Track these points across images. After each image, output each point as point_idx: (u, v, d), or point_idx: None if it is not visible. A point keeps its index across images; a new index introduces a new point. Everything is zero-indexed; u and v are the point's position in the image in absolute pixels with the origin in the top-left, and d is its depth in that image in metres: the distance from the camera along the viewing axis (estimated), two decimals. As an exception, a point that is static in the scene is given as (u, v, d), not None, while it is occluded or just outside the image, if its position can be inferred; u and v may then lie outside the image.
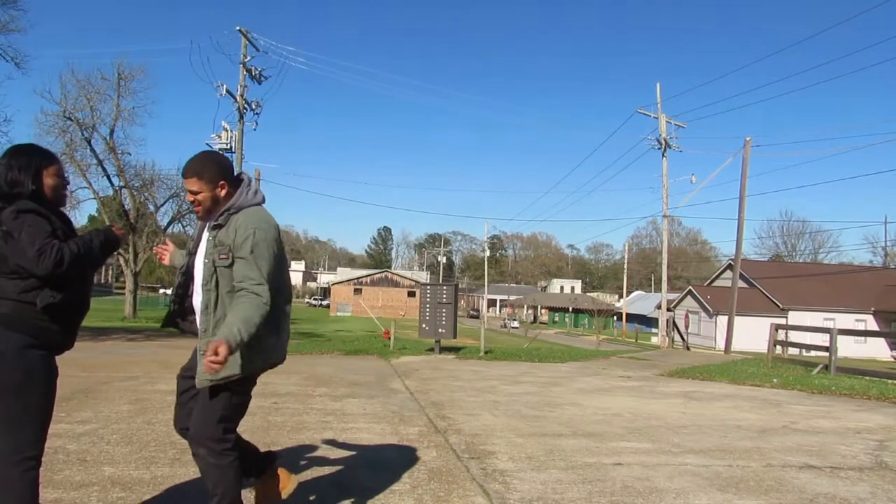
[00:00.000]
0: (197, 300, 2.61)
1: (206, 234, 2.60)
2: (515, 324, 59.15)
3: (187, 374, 2.65)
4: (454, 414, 6.08)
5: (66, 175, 2.61)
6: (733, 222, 40.35)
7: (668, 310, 29.69)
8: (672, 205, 27.23)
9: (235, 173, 2.68)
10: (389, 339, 15.02)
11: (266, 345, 2.57)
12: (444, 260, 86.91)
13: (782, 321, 28.93)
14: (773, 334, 14.29)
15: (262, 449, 3.06)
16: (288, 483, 3.02)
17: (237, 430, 2.65)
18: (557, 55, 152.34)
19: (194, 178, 2.56)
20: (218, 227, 2.53)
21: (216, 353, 2.19)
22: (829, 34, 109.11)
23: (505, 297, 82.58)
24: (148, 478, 3.58)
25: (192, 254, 2.69)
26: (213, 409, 2.50)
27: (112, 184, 31.13)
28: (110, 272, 67.38)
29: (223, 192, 2.57)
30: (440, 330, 13.79)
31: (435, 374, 9.72)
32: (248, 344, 2.36)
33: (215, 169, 2.57)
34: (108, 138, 30.54)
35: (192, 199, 2.59)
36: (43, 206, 2.39)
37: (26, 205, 2.33)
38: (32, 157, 2.44)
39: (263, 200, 2.69)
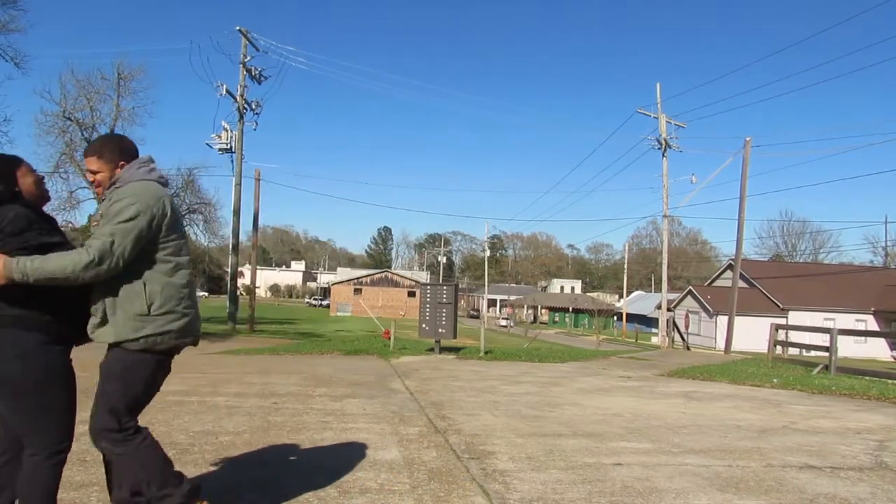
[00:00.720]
0: None
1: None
2: (504, 322, 59.47)
3: None
4: (454, 414, 6.08)
5: (36, 170, 2.63)
6: (733, 222, 40.31)
7: (669, 310, 29.70)
8: (672, 205, 27.26)
9: (135, 158, 2.63)
10: (389, 339, 15.03)
11: (152, 316, 2.46)
12: (444, 260, 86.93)
13: (782, 321, 28.93)
14: (774, 334, 14.29)
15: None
16: None
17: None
18: (557, 55, 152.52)
19: (94, 157, 2.57)
20: (103, 201, 2.55)
21: None
22: (829, 34, 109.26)
23: (505, 297, 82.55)
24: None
25: None
26: (105, 398, 2.46)
27: (112, 184, 31.13)
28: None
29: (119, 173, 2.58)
30: (440, 330, 13.79)
31: (435, 374, 9.71)
32: (123, 311, 2.38)
33: (115, 150, 2.59)
34: (108, 138, 30.49)
35: (91, 178, 2.62)
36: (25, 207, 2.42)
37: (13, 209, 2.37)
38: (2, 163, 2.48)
39: (160, 180, 2.63)
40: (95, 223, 2.52)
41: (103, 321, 2.45)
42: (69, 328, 2.47)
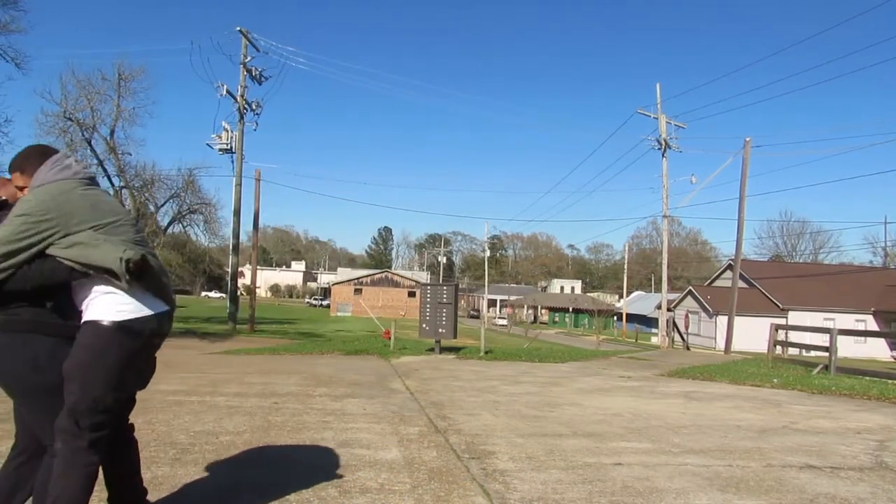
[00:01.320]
0: None
1: None
2: (500, 321, 59.62)
3: None
4: (454, 414, 6.09)
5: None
6: (733, 222, 40.31)
7: (669, 310, 29.70)
8: (672, 205, 27.28)
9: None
10: (390, 339, 15.04)
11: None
12: (444, 260, 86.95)
13: (782, 321, 28.93)
14: (773, 334, 14.30)
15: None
16: None
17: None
18: (557, 55, 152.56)
19: (17, 173, 2.48)
20: None
21: None
22: (829, 34, 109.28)
23: (505, 297, 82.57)
24: (148, 477, 3.56)
25: None
26: (66, 396, 2.33)
27: (112, 184, 31.11)
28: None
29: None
30: (440, 330, 13.79)
31: (435, 374, 9.72)
32: None
33: (36, 163, 2.46)
34: (108, 139, 30.53)
35: (19, 196, 2.47)
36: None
37: None
38: None
39: (75, 176, 2.46)
40: None
41: None
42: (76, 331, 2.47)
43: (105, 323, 2.34)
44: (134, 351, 2.39)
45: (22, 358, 2.32)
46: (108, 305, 2.36)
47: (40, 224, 2.28)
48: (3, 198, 2.55)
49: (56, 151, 2.56)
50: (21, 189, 2.49)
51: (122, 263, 2.30)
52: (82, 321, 2.39)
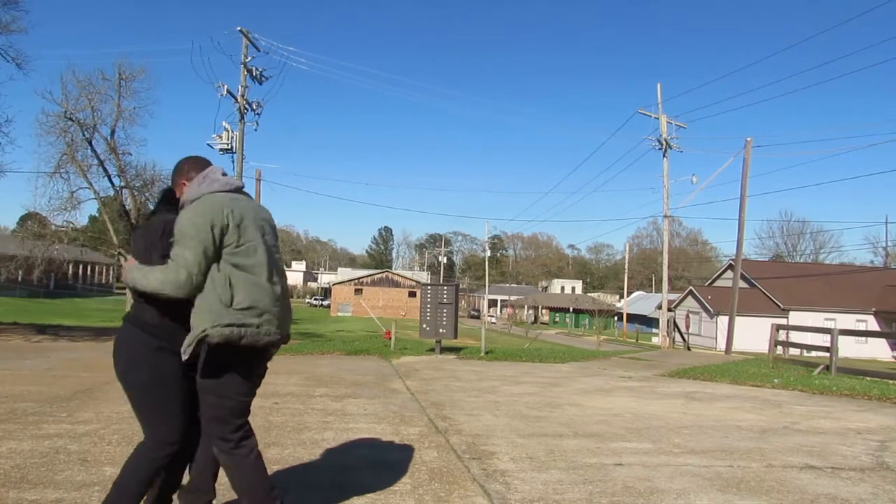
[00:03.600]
0: None
1: None
2: (492, 319, 59.83)
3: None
4: (455, 414, 6.09)
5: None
6: (734, 223, 40.32)
7: (669, 310, 29.66)
8: (673, 205, 27.20)
9: (216, 171, 2.71)
10: (390, 339, 15.03)
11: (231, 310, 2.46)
12: (444, 260, 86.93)
13: (783, 321, 28.92)
14: (774, 334, 14.28)
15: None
16: None
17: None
18: (557, 55, 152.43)
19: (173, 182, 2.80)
20: None
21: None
22: (829, 34, 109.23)
23: (506, 297, 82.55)
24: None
25: None
26: (204, 408, 2.57)
27: (113, 184, 31.08)
28: (111, 272, 67.43)
29: (180, 192, 2.73)
30: (441, 330, 13.79)
31: (436, 374, 9.72)
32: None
33: (174, 173, 2.79)
34: (109, 139, 30.51)
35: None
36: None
37: None
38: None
39: (225, 188, 2.65)
40: None
41: None
42: (182, 331, 2.56)
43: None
44: (256, 361, 2.60)
45: (127, 353, 2.54)
46: None
47: None
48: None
49: (184, 160, 2.83)
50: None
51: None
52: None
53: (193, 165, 2.76)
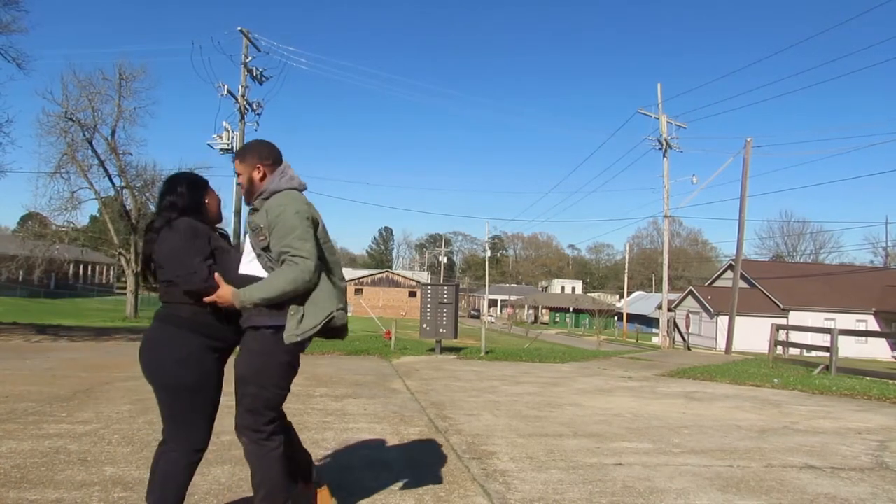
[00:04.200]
0: None
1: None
2: (489, 319, 59.98)
3: None
4: (455, 414, 6.09)
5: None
6: (734, 223, 40.33)
7: (669, 310, 29.66)
8: (673, 205, 27.20)
9: (291, 168, 2.75)
10: (390, 339, 15.03)
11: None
12: (444, 260, 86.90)
13: (783, 321, 28.93)
14: (774, 334, 14.28)
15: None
16: None
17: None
18: (557, 55, 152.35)
19: (237, 160, 2.72)
20: (254, 210, 2.66)
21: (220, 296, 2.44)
22: (829, 34, 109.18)
23: (506, 297, 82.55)
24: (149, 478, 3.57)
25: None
26: (242, 398, 2.56)
27: (113, 184, 31.15)
28: (111, 272, 67.35)
29: (258, 176, 2.68)
30: (441, 330, 13.79)
31: (436, 374, 9.72)
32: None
33: (248, 152, 2.72)
34: (109, 138, 30.58)
35: (238, 181, 2.76)
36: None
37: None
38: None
39: (301, 187, 2.73)
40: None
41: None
42: (230, 335, 2.58)
43: (272, 330, 2.51)
44: (297, 354, 2.60)
45: (172, 353, 2.46)
46: (272, 313, 2.50)
47: None
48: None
49: (266, 144, 2.81)
50: (238, 175, 2.76)
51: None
52: (247, 326, 2.54)
53: (271, 153, 2.73)
